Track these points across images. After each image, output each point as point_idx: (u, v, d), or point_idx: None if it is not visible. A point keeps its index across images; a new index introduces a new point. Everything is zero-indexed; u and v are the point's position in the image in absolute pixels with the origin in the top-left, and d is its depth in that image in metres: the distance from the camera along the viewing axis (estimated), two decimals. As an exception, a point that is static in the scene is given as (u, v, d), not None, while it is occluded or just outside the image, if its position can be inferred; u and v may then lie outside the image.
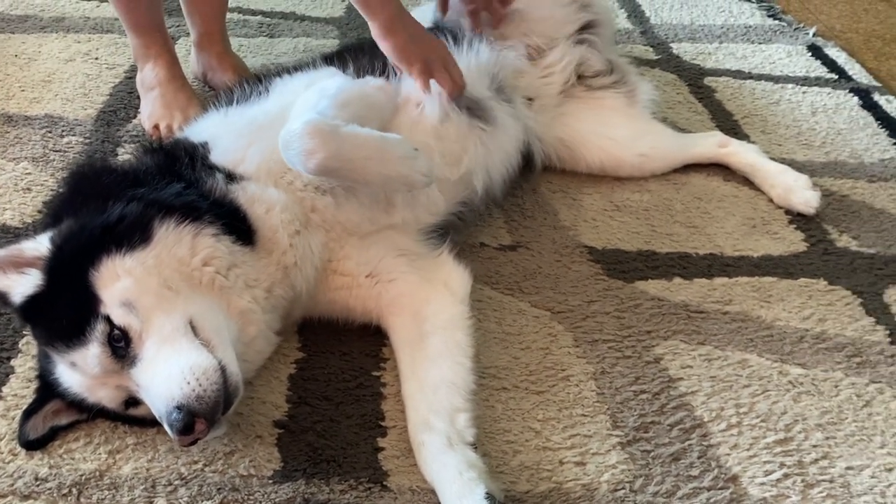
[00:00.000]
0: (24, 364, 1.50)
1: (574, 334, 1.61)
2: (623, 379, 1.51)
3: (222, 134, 1.58)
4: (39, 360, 1.41)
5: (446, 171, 1.71)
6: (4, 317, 1.57)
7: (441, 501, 1.26)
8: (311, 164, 1.42)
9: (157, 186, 1.44)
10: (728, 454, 1.37)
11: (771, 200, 2.00)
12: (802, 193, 1.96)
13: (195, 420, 1.22)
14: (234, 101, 1.66)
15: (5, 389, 1.45)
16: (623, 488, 1.31)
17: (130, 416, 1.36)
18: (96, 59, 2.50)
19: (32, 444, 1.35)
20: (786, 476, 1.34)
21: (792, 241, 1.88)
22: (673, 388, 1.49)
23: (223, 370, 1.26)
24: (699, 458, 1.36)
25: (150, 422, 1.34)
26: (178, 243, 1.37)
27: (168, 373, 1.25)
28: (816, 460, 1.37)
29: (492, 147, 1.82)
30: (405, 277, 1.58)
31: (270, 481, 1.31)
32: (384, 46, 1.73)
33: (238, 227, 1.45)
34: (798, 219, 1.95)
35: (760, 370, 1.53)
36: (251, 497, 1.28)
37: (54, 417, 1.38)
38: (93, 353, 1.28)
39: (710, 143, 2.12)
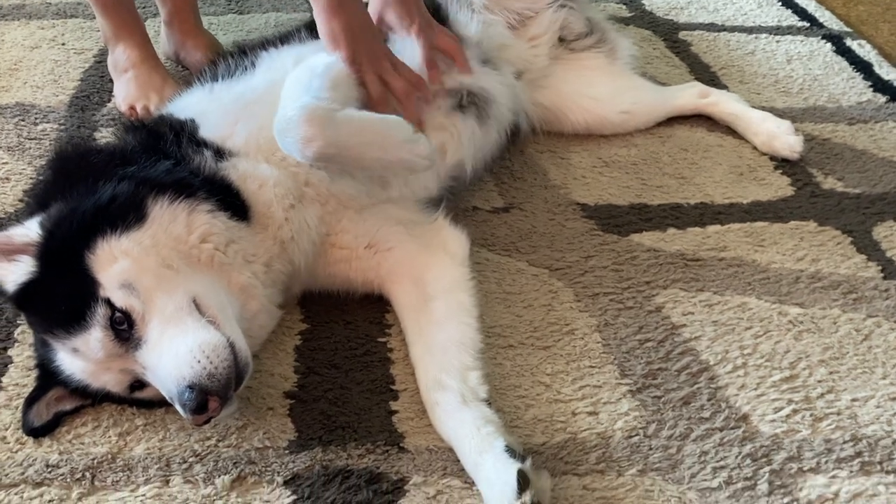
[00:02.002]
0: (22, 353, 1.47)
1: (574, 290, 1.62)
2: (627, 329, 1.52)
3: (209, 110, 1.55)
4: (37, 349, 1.39)
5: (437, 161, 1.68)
6: (-3, 307, 1.54)
7: (460, 457, 1.27)
8: (310, 151, 1.39)
9: (145, 164, 1.41)
10: (736, 394, 1.39)
11: (755, 148, 2.02)
12: (786, 139, 1.98)
13: (208, 398, 1.20)
14: (220, 77, 1.62)
15: (5, 379, 1.42)
16: (637, 434, 1.33)
17: (136, 398, 1.34)
18: (63, 44, 2.43)
19: (37, 431, 1.33)
20: (794, 412, 1.36)
21: (779, 186, 1.91)
22: (677, 334, 1.51)
23: (232, 346, 1.25)
24: (709, 400, 1.38)
25: (158, 403, 1.33)
26: (173, 221, 1.34)
27: (176, 352, 1.23)
28: (822, 395, 1.39)
29: (483, 132, 1.81)
30: (403, 245, 1.57)
31: (286, 451, 1.30)
32: (319, 25, 1.61)
33: (232, 202, 1.42)
34: (783, 164, 1.97)
35: (760, 312, 1.55)
36: (268, 469, 1.27)
37: (58, 404, 1.35)
38: (95, 337, 1.25)
39: (691, 95, 2.13)
